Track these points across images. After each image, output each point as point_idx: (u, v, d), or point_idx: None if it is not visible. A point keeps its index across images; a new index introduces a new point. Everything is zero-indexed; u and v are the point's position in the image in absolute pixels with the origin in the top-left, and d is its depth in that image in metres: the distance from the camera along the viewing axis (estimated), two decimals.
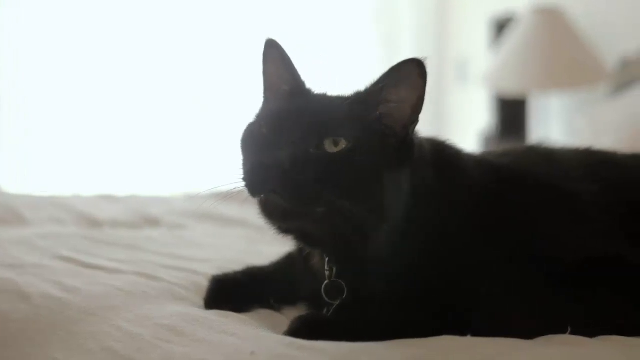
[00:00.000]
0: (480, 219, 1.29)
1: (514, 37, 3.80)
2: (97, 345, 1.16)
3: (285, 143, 1.19)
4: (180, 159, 4.27)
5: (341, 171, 1.18)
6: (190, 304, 1.37)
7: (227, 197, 2.68)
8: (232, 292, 1.39)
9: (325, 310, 1.28)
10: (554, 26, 3.71)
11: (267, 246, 1.96)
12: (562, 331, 1.20)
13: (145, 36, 4.13)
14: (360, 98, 1.26)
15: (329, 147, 1.19)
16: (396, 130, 1.24)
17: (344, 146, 1.19)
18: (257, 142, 1.24)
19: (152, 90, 4.19)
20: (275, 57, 1.33)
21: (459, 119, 4.80)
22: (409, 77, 1.21)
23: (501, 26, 4.20)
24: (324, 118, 1.22)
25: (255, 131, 1.27)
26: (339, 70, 4.59)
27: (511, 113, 4.19)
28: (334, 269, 1.30)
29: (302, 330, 1.18)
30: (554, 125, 4.26)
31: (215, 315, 1.28)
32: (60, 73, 3.97)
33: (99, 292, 1.38)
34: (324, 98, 1.31)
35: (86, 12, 3.98)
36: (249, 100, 4.23)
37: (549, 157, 1.46)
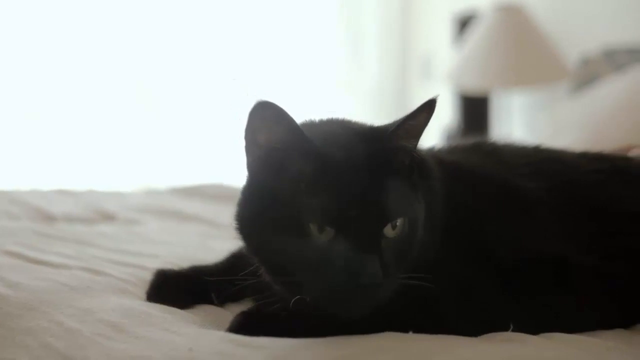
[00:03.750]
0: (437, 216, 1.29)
1: (476, 34, 3.81)
2: (35, 341, 1.14)
3: (363, 247, 1.11)
4: (142, 154, 4.24)
5: (404, 251, 1.16)
6: (134, 300, 1.36)
7: (186, 192, 2.67)
8: (175, 287, 1.38)
9: None
10: (515, 24, 3.73)
11: (220, 242, 1.95)
12: (505, 329, 1.21)
13: (102, 30, 4.08)
14: (380, 151, 1.18)
15: (388, 232, 1.14)
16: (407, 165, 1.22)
17: (400, 223, 1.15)
18: (314, 248, 1.12)
19: (116, 86, 4.15)
20: (273, 119, 1.14)
21: None
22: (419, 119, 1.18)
23: (464, 23, 4.21)
24: (385, 205, 1.14)
25: (295, 229, 1.12)
26: (302, 68, 4.60)
27: (474, 110, 4.20)
28: None
29: (244, 326, 1.17)
30: (516, 123, 4.29)
31: (158, 311, 1.27)
32: (20, 69, 3.92)
33: (41, 288, 1.37)
34: (357, 164, 1.15)
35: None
36: (206, 96, 4.20)
37: (494, 153, 1.46)
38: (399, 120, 1.18)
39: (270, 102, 1.12)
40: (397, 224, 1.15)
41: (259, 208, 1.18)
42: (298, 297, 1.14)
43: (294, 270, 1.14)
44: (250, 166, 1.21)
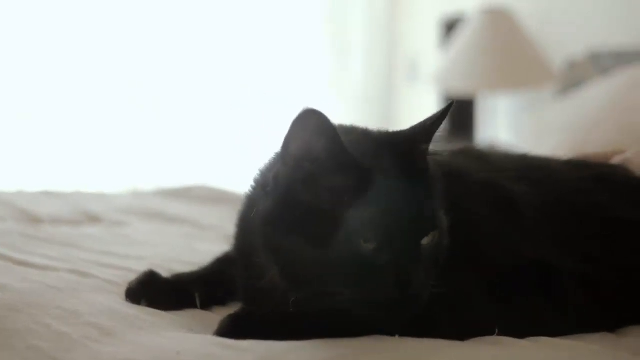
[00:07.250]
0: None
1: (463, 37, 3.82)
2: (22, 343, 1.13)
3: (409, 257, 1.12)
4: (130, 155, 4.22)
5: (435, 259, 1.17)
6: (120, 302, 1.35)
7: (171, 194, 2.66)
8: (160, 288, 1.39)
9: None
10: (502, 27, 3.74)
11: (206, 244, 1.95)
12: (491, 333, 1.21)
13: (92, 30, 4.07)
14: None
15: (424, 241, 1.15)
16: None
17: (433, 232, 1.16)
18: (360, 260, 1.11)
19: (106, 87, 4.14)
20: (316, 130, 1.12)
21: (408, 118, 4.78)
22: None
23: (451, 26, 4.22)
24: (428, 216, 1.16)
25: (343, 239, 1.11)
26: (288, 70, 4.60)
27: (460, 113, 4.20)
28: None
29: (231, 329, 1.17)
30: (502, 126, 4.30)
31: (145, 314, 1.27)
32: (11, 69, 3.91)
33: (27, 289, 1.36)
34: (397, 175, 1.15)
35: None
36: (194, 98, 4.19)
37: (482, 159, 1.47)
38: (424, 125, 1.19)
39: (318, 111, 1.10)
40: (433, 233, 1.16)
41: (289, 219, 1.14)
42: (295, 298, 1.14)
43: (330, 280, 1.12)
44: (277, 175, 1.17)
